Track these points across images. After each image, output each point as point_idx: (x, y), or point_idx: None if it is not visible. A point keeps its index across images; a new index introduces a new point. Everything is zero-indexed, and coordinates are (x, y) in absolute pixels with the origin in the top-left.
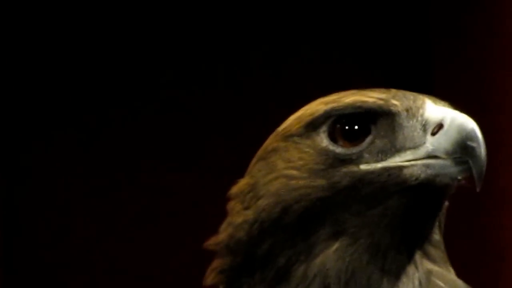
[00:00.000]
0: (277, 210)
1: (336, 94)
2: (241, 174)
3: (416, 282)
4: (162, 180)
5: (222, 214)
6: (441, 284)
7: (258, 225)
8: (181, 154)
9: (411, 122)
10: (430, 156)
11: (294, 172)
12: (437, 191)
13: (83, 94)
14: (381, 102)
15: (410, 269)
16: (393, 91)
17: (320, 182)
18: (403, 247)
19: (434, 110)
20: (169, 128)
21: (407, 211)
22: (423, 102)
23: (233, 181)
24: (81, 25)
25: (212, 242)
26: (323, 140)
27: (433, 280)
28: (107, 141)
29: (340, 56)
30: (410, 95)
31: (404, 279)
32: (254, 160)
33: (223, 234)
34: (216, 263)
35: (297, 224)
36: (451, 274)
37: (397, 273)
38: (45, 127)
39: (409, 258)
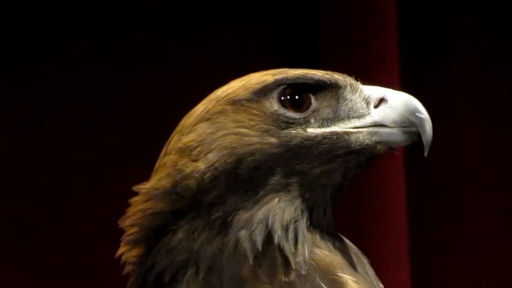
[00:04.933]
0: (231, 161)
1: (275, 69)
2: None
3: (331, 236)
4: None
5: None
6: (345, 239)
7: (210, 174)
8: None
9: (354, 95)
10: (376, 124)
11: (245, 131)
12: (373, 157)
13: None
14: (328, 76)
15: (325, 222)
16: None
17: (273, 140)
18: (326, 205)
19: (371, 88)
20: None
21: (343, 174)
22: (359, 81)
23: None
24: None
25: (146, 186)
26: (273, 104)
27: (340, 235)
28: None
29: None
30: (345, 75)
31: (324, 234)
32: (191, 121)
33: (163, 181)
34: (145, 206)
35: (248, 175)
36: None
37: (319, 227)
38: None
39: (325, 215)
